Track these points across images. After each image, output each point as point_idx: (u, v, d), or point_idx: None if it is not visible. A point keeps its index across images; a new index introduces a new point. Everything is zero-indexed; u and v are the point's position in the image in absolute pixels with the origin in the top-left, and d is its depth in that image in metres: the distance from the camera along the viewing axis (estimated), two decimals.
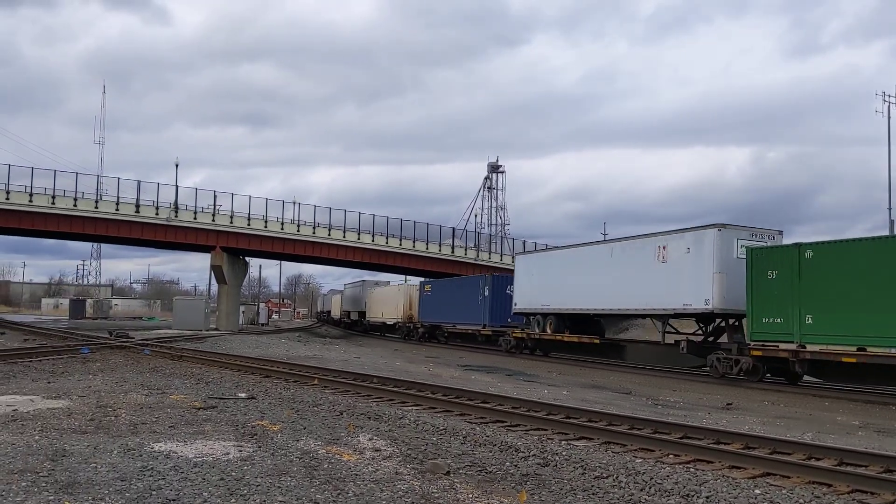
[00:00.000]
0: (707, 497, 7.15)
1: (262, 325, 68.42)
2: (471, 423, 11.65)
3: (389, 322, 54.20)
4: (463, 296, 40.86)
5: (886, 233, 37.33)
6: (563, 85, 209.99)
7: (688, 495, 7.21)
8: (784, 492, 7.47)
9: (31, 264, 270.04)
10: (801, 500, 7.18)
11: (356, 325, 69.09)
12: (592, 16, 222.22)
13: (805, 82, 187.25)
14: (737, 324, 23.23)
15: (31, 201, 47.66)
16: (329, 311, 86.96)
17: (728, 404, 17.73)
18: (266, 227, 54.17)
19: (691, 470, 8.43)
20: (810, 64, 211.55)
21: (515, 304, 34.17)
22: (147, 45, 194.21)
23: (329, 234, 56.21)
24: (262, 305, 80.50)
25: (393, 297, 53.77)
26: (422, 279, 53.44)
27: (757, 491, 7.47)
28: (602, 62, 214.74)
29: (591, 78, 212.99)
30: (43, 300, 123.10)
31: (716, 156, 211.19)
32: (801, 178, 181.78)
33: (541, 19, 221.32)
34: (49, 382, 15.33)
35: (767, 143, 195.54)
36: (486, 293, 37.79)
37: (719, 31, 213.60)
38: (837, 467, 8.51)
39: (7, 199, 47.04)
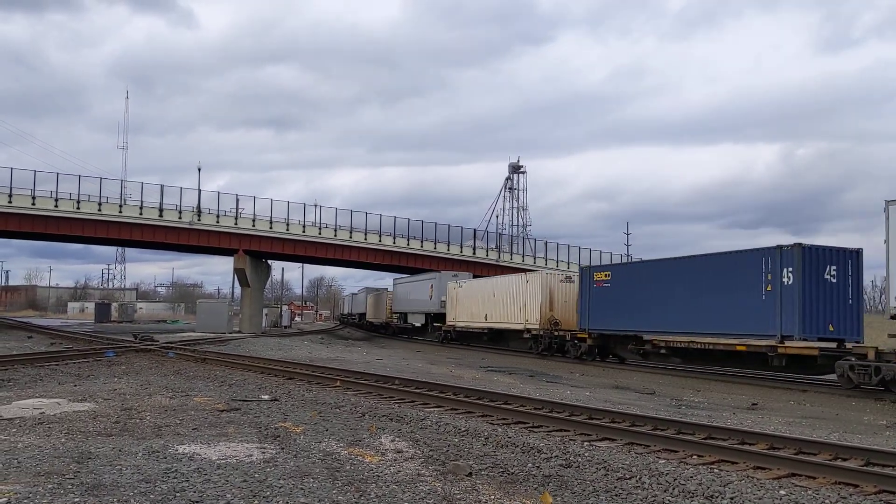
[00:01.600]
0: (731, 498, 7.09)
1: (285, 327, 68.74)
2: (493, 424, 11.63)
3: (509, 328, 36.87)
4: (709, 286, 23.87)
5: None
6: (590, 83, 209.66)
7: (712, 496, 7.15)
8: (809, 492, 7.39)
9: (57, 269, 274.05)
10: (826, 501, 7.10)
11: (416, 332, 53.78)
12: (620, 12, 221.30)
13: (836, 77, 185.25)
14: None
15: (56, 206, 48.22)
16: (362, 314, 73.62)
17: (753, 404, 17.58)
18: (288, 230, 54.49)
19: (715, 471, 8.36)
20: (842, 58, 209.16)
21: None
22: (172, 48, 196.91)
23: (350, 237, 56.43)
24: (284, 308, 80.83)
25: (515, 292, 36.16)
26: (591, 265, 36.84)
27: (782, 492, 7.40)
28: (629, 59, 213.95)
29: (617, 76, 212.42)
30: (69, 304, 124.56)
31: (744, 153, 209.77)
32: (830, 176, 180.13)
33: (568, 17, 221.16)
34: (75, 385, 15.49)
35: (797, 139, 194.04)
36: (788, 280, 21.49)
37: (749, 25, 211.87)
38: (864, 468, 8.40)
39: (33, 204, 47.67)
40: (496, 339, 40.00)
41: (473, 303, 41.30)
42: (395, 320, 58.39)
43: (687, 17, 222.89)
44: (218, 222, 52.66)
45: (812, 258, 21.67)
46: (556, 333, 32.76)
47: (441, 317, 46.22)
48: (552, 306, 33.73)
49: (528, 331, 34.53)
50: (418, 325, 52.44)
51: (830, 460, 8.83)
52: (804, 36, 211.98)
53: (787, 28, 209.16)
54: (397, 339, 56.32)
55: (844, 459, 8.97)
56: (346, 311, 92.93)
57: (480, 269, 57.64)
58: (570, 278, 34.04)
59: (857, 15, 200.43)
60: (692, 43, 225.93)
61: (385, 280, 72.01)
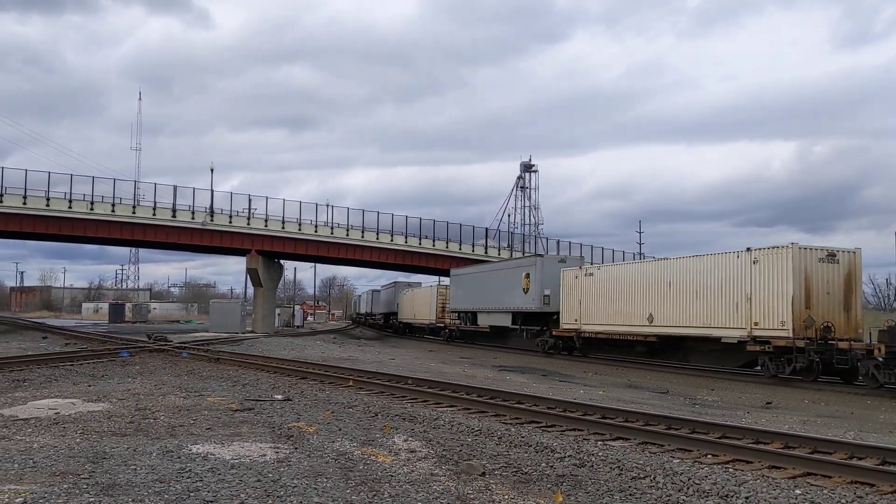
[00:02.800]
0: (746, 498, 7.05)
1: (298, 327, 68.90)
2: (506, 423, 11.62)
3: (708, 336, 24.08)
4: None
5: None
6: (605, 81, 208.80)
7: (726, 496, 7.11)
8: (825, 492, 7.35)
9: (72, 269, 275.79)
10: (842, 501, 7.05)
11: (491, 337, 41.97)
12: (637, 9, 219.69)
13: (856, 73, 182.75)
14: None
15: (70, 208, 48.47)
16: (389, 314, 65.13)
17: (767, 403, 17.51)
18: (300, 230, 54.60)
19: (730, 470, 8.32)
20: (862, 54, 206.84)
21: None
22: (187, 48, 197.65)
23: (362, 237, 56.48)
24: (297, 308, 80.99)
25: (725, 278, 23.51)
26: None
27: (797, 491, 7.35)
28: (646, 57, 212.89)
29: (634, 73, 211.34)
30: (83, 305, 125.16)
31: (760, 151, 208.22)
32: (846, 173, 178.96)
33: (584, 14, 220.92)
34: (89, 385, 15.57)
35: (814, 136, 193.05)
36: None
37: (768, 21, 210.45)
38: (880, 466, 8.35)
39: (47, 205, 47.94)
40: (668, 351, 27.50)
41: (619, 297, 28.55)
42: (456, 322, 46.33)
43: (705, 14, 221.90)
44: (230, 222, 52.84)
45: None
46: (833, 344, 20.27)
47: (540, 317, 34.72)
48: (808, 301, 21.20)
49: (761, 341, 21.85)
50: (492, 327, 40.14)
51: (846, 459, 8.77)
52: (823, 31, 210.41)
53: (807, 24, 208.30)
54: (407, 338, 54.20)
55: (860, 458, 8.90)
56: (363, 311, 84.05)
57: None
58: (835, 256, 21.96)
59: (878, 10, 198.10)
60: (710, 39, 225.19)
61: (398, 279, 70.92)
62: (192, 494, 6.46)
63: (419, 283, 61.61)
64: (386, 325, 67.90)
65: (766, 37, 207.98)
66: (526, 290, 35.23)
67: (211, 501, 6.29)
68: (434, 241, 58.47)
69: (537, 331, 35.07)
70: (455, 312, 46.40)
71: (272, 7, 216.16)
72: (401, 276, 68.77)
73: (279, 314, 64.13)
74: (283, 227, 53.92)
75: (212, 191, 53.63)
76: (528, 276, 35.26)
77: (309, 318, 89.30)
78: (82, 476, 7.01)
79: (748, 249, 23.02)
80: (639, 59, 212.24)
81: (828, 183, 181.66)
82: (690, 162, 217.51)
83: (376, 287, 78.62)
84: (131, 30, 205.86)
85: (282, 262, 60.60)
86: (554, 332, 32.98)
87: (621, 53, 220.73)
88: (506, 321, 37.92)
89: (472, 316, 43.09)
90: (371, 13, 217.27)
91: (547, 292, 33.77)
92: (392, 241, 57.32)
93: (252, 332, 49.72)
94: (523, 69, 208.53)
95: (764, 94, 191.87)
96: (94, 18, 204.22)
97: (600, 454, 9.00)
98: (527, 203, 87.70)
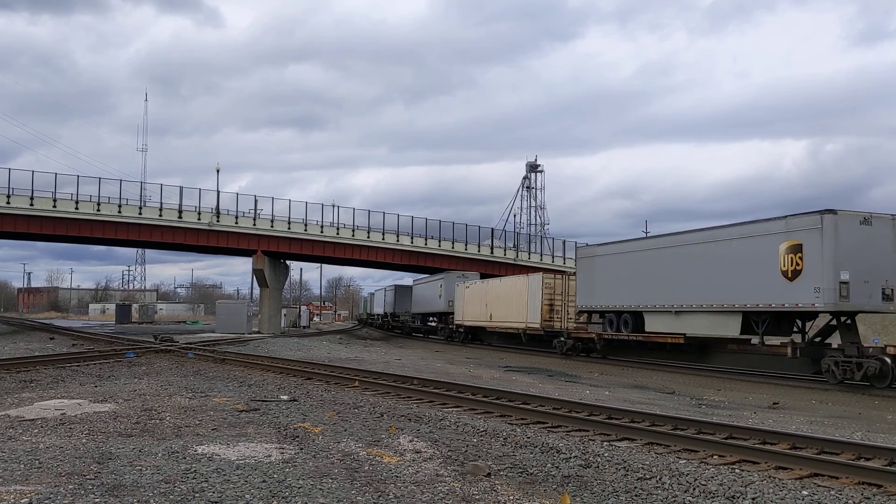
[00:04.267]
0: (753, 499, 7.03)
1: (304, 327, 68.95)
2: (511, 424, 11.60)
3: None
4: None
5: None
6: (617, 79, 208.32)
7: (733, 497, 7.09)
8: (832, 493, 7.31)
9: (79, 270, 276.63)
10: (850, 502, 7.02)
11: (703, 354, 25.78)
12: (649, 7, 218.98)
13: (869, 71, 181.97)
14: None
15: (77, 209, 48.63)
16: (431, 315, 55.07)
17: (774, 404, 17.45)
18: (306, 230, 54.68)
19: (736, 471, 8.29)
20: (876, 51, 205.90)
21: None
22: (197, 48, 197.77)
23: (368, 237, 56.52)
24: (303, 308, 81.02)
25: None
26: None
27: (804, 492, 7.32)
28: (658, 55, 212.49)
29: (646, 72, 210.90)
30: (90, 305, 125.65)
31: (771, 149, 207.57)
32: (858, 171, 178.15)
33: (596, 12, 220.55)
34: (96, 386, 15.60)
35: (826, 134, 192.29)
36: None
37: (782, 19, 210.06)
38: (888, 467, 8.30)
39: (54, 206, 48.11)
40: None
41: None
42: (589, 326, 32.14)
43: (718, 11, 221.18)
44: (236, 223, 52.95)
45: None
46: None
47: (790, 318, 22.13)
48: None
49: None
50: (689, 338, 25.08)
51: (853, 460, 8.73)
52: (837, 29, 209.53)
53: (821, 21, 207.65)
54: (413, 338, 54.51)
55: (868, 459, 8.86)
56: (377, 312, 75.61)
57: (498, 269, 57.57)
58: None
59: (892, 8, 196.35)
60: (723, 37, 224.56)
61: (405, 279, 70.30)
62: (197, 495, 6.47)
63: (476, 275, 49.86)
64: (422, 327, 57.71)
65: (779, 34, 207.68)
66: (791, 275, 20.62)
67: (216, 502, 6.29)
68: (440, 241, 58.49)
69: (808, 345, 21.79)
70: (590, 313, 31.51)
71: (282, 6, 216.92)
72: (406, 277, 68.54)
73: (285, 315, 64.18)
74: (288, 228, 54.02)
75: (218, 191, 53.81)
76: (795, 248, 20.54)
77: (315, 319, 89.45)
78: (88, 476, 7.02)
79: None
80: (651, 58, 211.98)
81: (839, 181, 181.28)
82: (700, 160, 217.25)
83: (405, 283, 66.00)
84: (141, 30, 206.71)
85: (288, 262, 60.68)
86: (890, 349, 19.52)
87: (633, 51, 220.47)
88: (728, 328, 23.27)
89: (634, 318, 27.92)
90: (381, 12, 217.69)
91: (844, 277, 19.71)
92: (398, 241, 57.37)
93: (258, 332, 49.79)
94: (534, 68, 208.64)
95: (776, 92, 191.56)
96: (103, 19, 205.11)
97: (606, 455, 8.98)
98: (532, 203, 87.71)
